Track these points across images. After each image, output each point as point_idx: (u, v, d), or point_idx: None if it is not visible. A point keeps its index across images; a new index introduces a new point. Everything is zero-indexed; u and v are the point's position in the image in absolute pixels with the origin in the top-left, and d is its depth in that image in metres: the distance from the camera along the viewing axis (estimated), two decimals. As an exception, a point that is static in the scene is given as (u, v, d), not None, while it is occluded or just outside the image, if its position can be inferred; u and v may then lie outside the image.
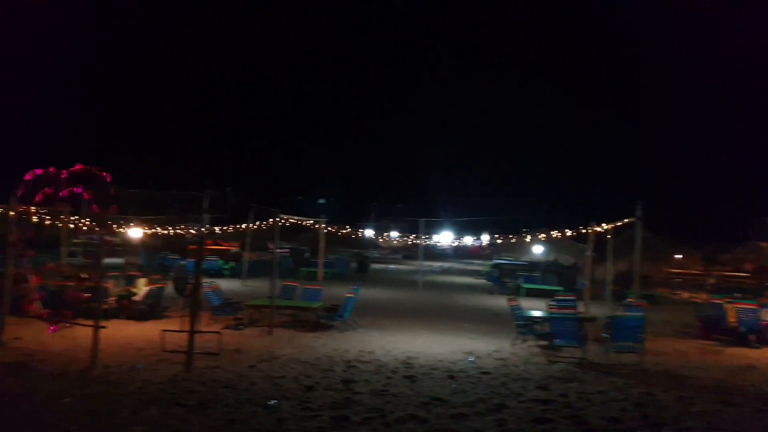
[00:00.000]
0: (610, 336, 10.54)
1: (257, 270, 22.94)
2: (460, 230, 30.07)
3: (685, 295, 23.13)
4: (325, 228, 18.20)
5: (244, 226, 18.08)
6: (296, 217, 15.81)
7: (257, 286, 19.68)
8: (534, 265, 27.97)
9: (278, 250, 29.75)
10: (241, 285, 20.63)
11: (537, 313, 12.91)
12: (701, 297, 18.90)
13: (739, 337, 12.96)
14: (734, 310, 13.58)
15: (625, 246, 17.85)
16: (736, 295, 16.16)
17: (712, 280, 25.26)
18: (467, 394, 7.96)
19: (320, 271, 19.89)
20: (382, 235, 26.02)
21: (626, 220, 14.59)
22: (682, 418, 7.14)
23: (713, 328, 13.70)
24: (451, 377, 8.90)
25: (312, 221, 17.37)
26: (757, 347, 12.41)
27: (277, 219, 13.55)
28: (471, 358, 10.35)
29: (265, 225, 16.79)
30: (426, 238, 24.41)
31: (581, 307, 14.00)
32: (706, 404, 7.80)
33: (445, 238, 26.34)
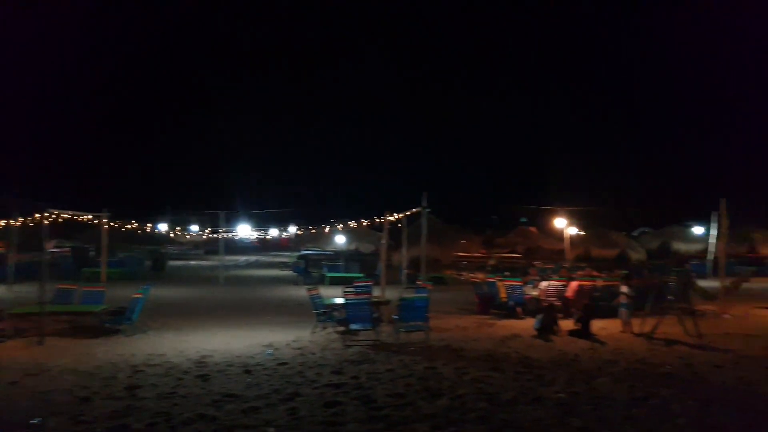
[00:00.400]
0: (399, 317, 11.26)
1: (28, 273, 20.14)
2: (266, 222, 29.81)
3: (469, 275, 25.71)
4: (108, 223, 16.53)
5: (3, 222, 15.69)
6: (70, 212, 14.11)
7: (28, 291, 17.24)
8: (338, 254, 28.83)
9: (57, 249, 26.63)
10: (7, 291, 17.98)
11: (338, 300, 13.29)
12: (479, 276, 21.11)
13: (509, 310, 14.81)
14: (504, 287, 15.49)
15: (419, 233, 19.21)
16: (506, 273, 18.36)
17: (492, 262, 28.42)
18: (261, 386, 7.89)
19: (104, 271, 18.04)
20: (175, 230, 24.51)
21: (414, 210, 15.62)
22: (457, 387, 7.90)
23: (489, 303, 15.47)
24: (248, 372, 8.75)
25: (90, 216, 15.63)
26: (522, 318, 14.28)
27: (47, 214, 11.96)
28: (269, 351, 10.29)
29: (31, 221, 14.74)
30: (225, 232, 23.65)
31: (378, 292, 14.77)
32: (477, 372, 8.75)
33: (245, 230, 25.82)
